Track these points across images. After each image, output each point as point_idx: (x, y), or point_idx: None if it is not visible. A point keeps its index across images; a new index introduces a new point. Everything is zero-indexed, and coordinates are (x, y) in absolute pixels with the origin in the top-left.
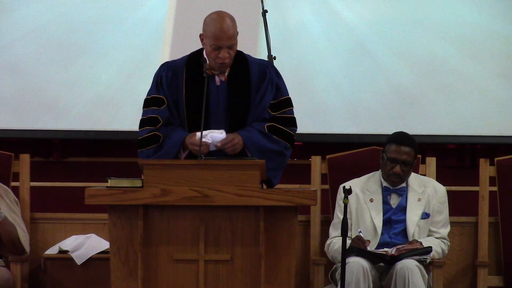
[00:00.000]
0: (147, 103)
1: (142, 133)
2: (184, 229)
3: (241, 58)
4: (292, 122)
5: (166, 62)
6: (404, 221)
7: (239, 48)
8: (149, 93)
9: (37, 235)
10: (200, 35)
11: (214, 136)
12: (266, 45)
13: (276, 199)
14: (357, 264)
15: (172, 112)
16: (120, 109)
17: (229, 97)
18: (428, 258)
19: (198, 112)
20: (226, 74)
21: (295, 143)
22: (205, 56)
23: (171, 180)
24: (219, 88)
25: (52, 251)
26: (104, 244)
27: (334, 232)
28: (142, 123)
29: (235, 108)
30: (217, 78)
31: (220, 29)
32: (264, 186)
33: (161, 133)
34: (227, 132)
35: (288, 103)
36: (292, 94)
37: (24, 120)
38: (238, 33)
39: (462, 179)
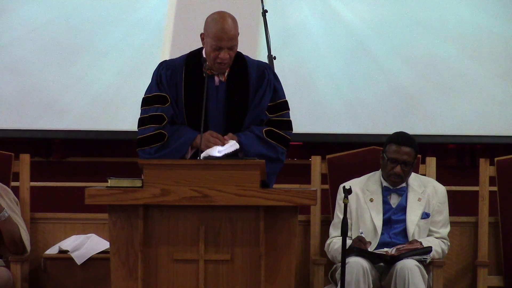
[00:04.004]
0: (148, 101)
1: (144, 132)
2: (184, 229)
3: (240, 59)
4: (288, 126)
5: (164, 60)
6: (404, 221)
7: (239, 48)
8: (149, 91)
9: (37, 235)
10: (201, 35)
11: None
12: (266, 45)
13: (276, 199)
14: (357, 264)
15: (175, 110)
16: (120, 109)
17: (227, 97)
18: (428, 258)
19: (197, 112)
20: (226, 74)
21: (295, 143)
22: (204, 56)
23: (171, 180)
24: (218, 89)
25: (52, 251)
26: (104, 244)
27: (334, 232)
28: (143, 121)
29: (234, 108)
30: (216, 79)
31: (221, 30)
32: None
33: (166, 131)
34: (224, 132)
35: (285, 106)
36: (292, 94)
37: (24, 120)
38: (239, 34)
39: (462, 179)
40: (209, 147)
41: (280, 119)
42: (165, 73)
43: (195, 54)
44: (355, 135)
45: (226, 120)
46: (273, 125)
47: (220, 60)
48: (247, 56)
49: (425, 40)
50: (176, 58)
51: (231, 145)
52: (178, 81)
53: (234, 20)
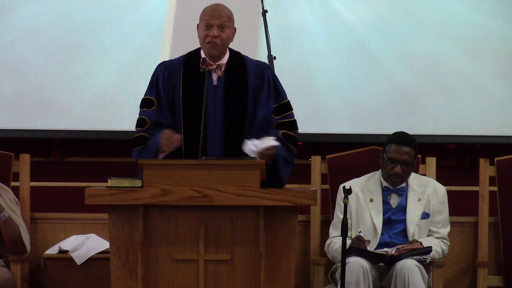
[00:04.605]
0: (141, 103)
1: (134, 133)
2: (184, 229)
3: (239, 58)
4: (295, 126)
5: (163, 61)
6: (404, 221)
7: (238, 48)
8: (144, 93)
9: (37, 235)
10: (197, 26)
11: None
12: (266, 45)
13: (276, 199)
14: (357, 264)
15: (165, 112)
16: (120, 109)
17: (226, 96)
18: (428, 258)
19: (195, 110)
20: (223, 69)
21: None
22: (202, 55)
23: (171, 180)
24: (216, 88)
25: (52, 251)
26: (104, 244)
27: (334, 232)
28: (136, 123)
29: (232, 107)
30: (214, 77)
31: (213, 8)
32: None
33: (148, 134)
34: (222, 132)
35: (289, 106)
36: (292, 94)
37: (24, 120)
38: (234, 26)
39: (462, 179)
40: (172, 147)
41: (287, 121)
42: (162, 73)
43: (194, 54)
44: (355, 135)
45: (224, 119)
46: (281, 127)
47: (210, 38)
48: (246, 56)
49: (425, 40)
50: (174, 59)
51: (268, 141)
52: (176, 81)
53: (228, 8)
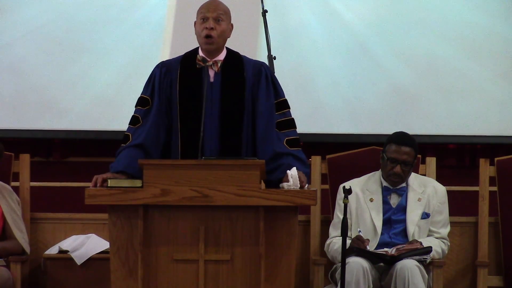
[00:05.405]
0: (137, 101)
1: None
2: (184, 229)
3: (236, 56)
4: (293, 124)
5: (162, 61)
6: (404, 221)
7: (238, 48)
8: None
9: (37, 235)
10: (194, 23)
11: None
12: (266, 45)
13: (276, 199)
14: (357, 264)
15: (161, 111)
16: (120, 109)
17: (222, 92)
18: (428, 258)
19: (192, 108)
20: (219, 65)
21: None
22: (200, 54)
23: (171, 180)
24: (213, 84)
25: (52, 251)
26: (104, 244)
27: (334, 232)
28: (130, 120)
29: (229, 104)
30: (211, 73)
31: (209, 3)
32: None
33: (135, 135)
34: (220, 131)
35: (286, 104)
36: (292, 94)
37: (24, 120)
38: (232, 23)
39: (462, 179)
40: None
41: (284, 119)
42: (160, 70)
43: (192, 54)
44: (355, 135)
45: (220, 117)
46: (279, 126)
47: (206, 31)
48: (244, 56)
49: (425, 40)
50: (173, 58)
51: (295, 179)
52: (173, 78)
53: (224, 4)
